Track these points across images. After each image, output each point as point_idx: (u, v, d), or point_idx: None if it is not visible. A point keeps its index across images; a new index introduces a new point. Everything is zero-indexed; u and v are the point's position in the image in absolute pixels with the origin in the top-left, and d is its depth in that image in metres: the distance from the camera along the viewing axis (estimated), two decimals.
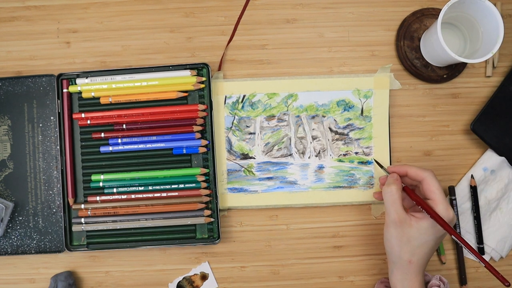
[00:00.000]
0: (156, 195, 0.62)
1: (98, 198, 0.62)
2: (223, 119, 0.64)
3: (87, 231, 0.63)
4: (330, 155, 0.64)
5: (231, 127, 0.64)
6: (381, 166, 0.61)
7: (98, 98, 0.63)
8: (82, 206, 0.62)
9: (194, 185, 0.62)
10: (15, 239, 0.63)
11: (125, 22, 0.65)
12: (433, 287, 0.54)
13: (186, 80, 0.62)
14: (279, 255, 0.64)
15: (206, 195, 0.62)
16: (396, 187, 0.55)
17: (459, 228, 0.63)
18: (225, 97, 0.64)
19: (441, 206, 0.53)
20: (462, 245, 0.52)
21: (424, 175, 0.55)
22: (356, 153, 0.64)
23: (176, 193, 0.62)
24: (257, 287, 0.64)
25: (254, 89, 0.64)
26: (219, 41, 0.65)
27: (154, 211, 0.62)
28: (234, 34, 0.65)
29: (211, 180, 0.62)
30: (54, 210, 0.63)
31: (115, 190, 0.62)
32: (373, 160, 0.63)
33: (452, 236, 0.53)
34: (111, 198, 0.62)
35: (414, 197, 0.55)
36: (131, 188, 0.63)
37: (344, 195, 0.64)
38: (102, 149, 0.63)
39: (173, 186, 0.62)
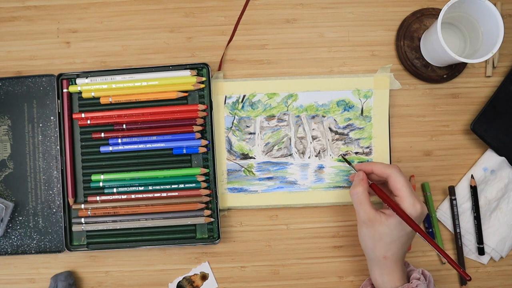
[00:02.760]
0: (156, 195, 0.62)
1: (98, 198, 0.62)
2: (223, 119, 0.64)
3: (87, 231, 0.63)
4: (330, 155, 0.64)
5: (231, 127, 0.64)
6: (349, 163, 0.61)
7: (98, 98, 0.63)
8: (82, 206, 0.62)
9: (194, 185, 0.62)
10: (15, 239, 0.63)
11: (125, 22, 0.65)
12: (413, 280, 0.55)
13: (186, 80, 0.62)
14: (279, 255, 0.64)
15: (206, 195, 0.62)
16: (362, 188, 0.55)
17: (459, 228, 0.63)
18: (225, 97, 0.64)
19: (406, 202, 0.53)
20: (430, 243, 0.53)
21: (389, 171, 0.55)
22: (356, 153, 0.64)
23: (176, 193, 0.62)
24: (257, 287, 0.64)
25: (254, 89, 0.64)
26: (219, 41, 0.65)
27: (154, 211, 0.62)
28: (234, 34, 0.65)
29: (211, 180, 0.62)
30: (54, 210, 0.63)
31: (115, 190, 0.62)
32: (342, 157, 0.63)
33: (417, 232, 0.53)
34: (111, 198, 0.62)
35: (380, 194, 0.56)
36: (131, 188, 0.63)
37: (344, 195, 0.64)
38: (102, 149, 0.63)
39: (173, 186, 0.62)
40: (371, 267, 0.57)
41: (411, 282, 0.54)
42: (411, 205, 0.53)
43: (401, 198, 0.54)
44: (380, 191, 0.56)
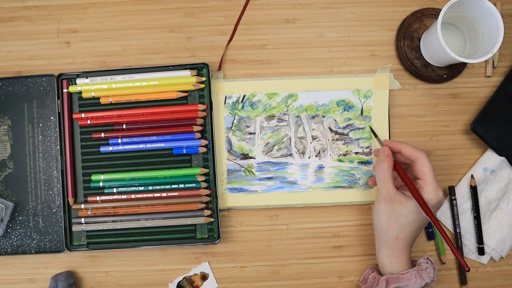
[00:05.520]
0: (156, 195, 0.62)
1: (98, 198, 0.62)
2: (223, 119, 0.64)
3: (87, 231, 0.63)
4: (330, 155, 0.64)
5: (231, 127, 0.64)
6: (376, 136, 0.61)
7: (98, 98, 0.63)
8: (82, 206, 0.62)
9: (194, 185, 0.62)
10: (15, 239, 0.63)
11: (125, 22, 0.65)
12: (422, 264, 0.55)
13: (186, 80, 0.62)
14: (279, 255, 0.64)
15: (206, 195, 0.62)
16: (387, 164, 0.56)
17: (459, 228, 0.63)
18: (225, 97, 0.64)
19: (430, 187, 0.54)
20: (438, 232, 0.54)
21: (417, 155, 0.55)
22: (356, 153, 0.64)
23: (176, 193, 0.62)
24: (257, 287, 0.64)
25: (254, 89, 0.64)
26: (219, 41, 0.65)
27: (154, 211, 0.62)
28: (234, 34, 0.65)
29: (211, 180, 0.62)
30: (54, 210, 0.63)
31: (115, 190, 0.62)
32: (369, 128, 0.63)
33: (428, 217, 0.53)
34: (111, 198, 0.62)
35: (401, 173, 0.56)
36: (131, 188, 0.63)
37: (344, 195, 0.64)
38: (102, 149, 0.63)
39: (173, 186, 0.62)
40: (379, 247, 0.57)
41: (420, 265, 0.55)
42: (434, 191, 0.54)
43: (425, 182, 0.54)
44: (402, 170, 0.56)
